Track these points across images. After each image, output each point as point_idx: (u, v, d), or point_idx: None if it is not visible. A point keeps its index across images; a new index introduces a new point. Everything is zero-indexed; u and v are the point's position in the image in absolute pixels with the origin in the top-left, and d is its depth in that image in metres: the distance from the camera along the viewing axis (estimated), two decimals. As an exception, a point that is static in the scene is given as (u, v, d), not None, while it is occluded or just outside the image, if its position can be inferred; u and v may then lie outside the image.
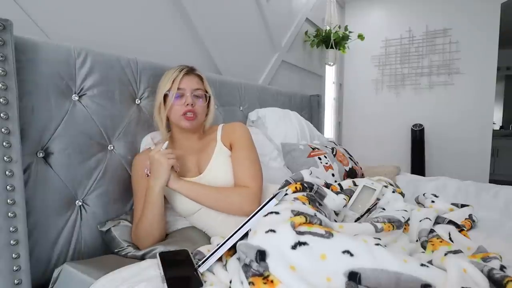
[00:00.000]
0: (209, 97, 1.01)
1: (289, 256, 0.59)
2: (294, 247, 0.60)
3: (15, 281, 0.68)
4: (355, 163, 1.64)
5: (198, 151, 1.00)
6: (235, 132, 1.01)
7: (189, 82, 0.95)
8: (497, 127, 5.25)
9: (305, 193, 0.86)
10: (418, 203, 1.27)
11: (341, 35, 2.70)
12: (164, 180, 0.85)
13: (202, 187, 0.90)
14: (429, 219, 0.94)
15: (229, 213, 0.91)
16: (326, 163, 1.45)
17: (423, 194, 1.27)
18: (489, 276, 0.57)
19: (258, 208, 0.74)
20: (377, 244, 0.62)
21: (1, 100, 0.65)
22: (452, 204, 1.21)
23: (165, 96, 0.95)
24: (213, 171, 0.96)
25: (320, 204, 0.87)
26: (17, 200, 0.68)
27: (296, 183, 0.92)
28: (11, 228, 0.67)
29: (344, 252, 0.58)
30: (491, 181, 2.26)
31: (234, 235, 0.69)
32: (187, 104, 0.93)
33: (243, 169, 0.94)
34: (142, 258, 0.82)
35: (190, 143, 1.01)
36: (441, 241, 0.81)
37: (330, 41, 2.69)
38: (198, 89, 0.97)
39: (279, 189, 0.93)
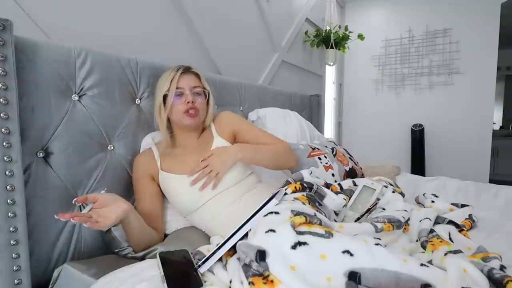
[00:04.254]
0: (208, 94, 1.01)
1: (289, 256, 0.59)
2: (294, 247, 0.59)
3: (15, 281, 0.68)
4: (355, 163, 1.64)
5: (197, 149, 1.01)
6: (222, 120, 1.07)
7: (187, 81, 0.96)
8: (497, 127, 5.25)
9: (304, 193, 0.86)
10: (418, 203, 1.27)
11: (341, 35, 2.70)
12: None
13: (256, 149, 0.99)
14: (429, 219, 0.94)
15: (280, 166, 1.04)
16: (326, 163, 1.45)
17: (423, 194, 1.27)
18: (489, 276, 0.57)
19: (258, 208, 0.74)
20: (377, 244, 0.62)
21: (1, 100, 0.65)
22: (452, 204, 1.21)
23: (165, 97, 0.95)
24: None
25: (320, 204, 0.87)
26: (17, 200, 0.68)
27: (295, 183, 0.92)
28: (11, 228, 0.67)
29: (344, 252, 0.58)
30: (491, 181, 2.26)
31: (234, 235, 0.69)
32: (188, 102, 0.94)
33: (263, 138, 1.03)
34: (142, 258, 0.82)
35: (190, 142, 1.02)
36: (441, 241, 0.81)
37: (330, 41, 2.69)
38: (197, 86, 0.98)
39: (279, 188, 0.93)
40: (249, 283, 0.57)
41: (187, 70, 0.99)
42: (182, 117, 0.95)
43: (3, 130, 0.66)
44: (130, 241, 0.85)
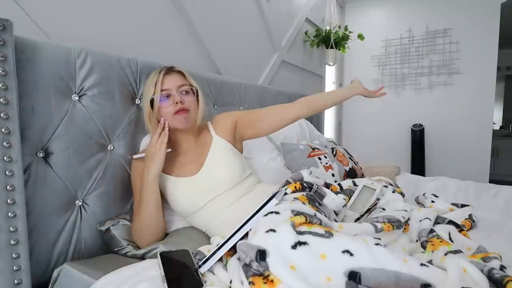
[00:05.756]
0: (197, 91, 0.98)
1: (289, 255, 0.59)
2: (294, 246, 0.60)
3: (15, 281, 0.68)
4: (355, 163, 1.64)
5: (195, 150, 1.00)
6: (219, 119, 1.07)
7: (172, 81, 0.93)
8: (497, 127, 5.25)
9: (304, 193, 0.86)
10: (418, 203, 1.27)
11: (341, 35, 2.70)
12: (157, 168, 0.87)
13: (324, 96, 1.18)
14: (429, 219, 0.94)
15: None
16: (326, 163, 1.45)
17: (423, 194, 1.27)
18: (489, 276, 0.57)
19: (258, 208, 0.74)
20: (377, 244, 0.62)
21: (1, 100, 0.65)
22: (452, 204, 1.21)
23: (152, 102, 0.92)
24: (211, 165, 0.96)
25: (320, 204, 0.87)
26: (17, 200, 0.68)
27: (295, 183, 0.92)
28: (11, 228, 0.67)
29: (344, 252, 0.59)
30: (491, 181, 2.26)
31: (235, 235, 0.69)
32: (177, 102, 0.91)
33: (274, 109, 1.08)
34: (142, 257, 0.82)
35: (187, 144, 1.01)
36: (441, 241, 0.81)
37: (330, 41, 2.69)
38: (183, 85, 0.94)
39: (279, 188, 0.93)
40: (249, 283, 0.57)
41: (170, 70, 0.95)
42: (173, 120, 0.91)
43: (3, 130, 0.66)
44: (143, 222, 0.86)
